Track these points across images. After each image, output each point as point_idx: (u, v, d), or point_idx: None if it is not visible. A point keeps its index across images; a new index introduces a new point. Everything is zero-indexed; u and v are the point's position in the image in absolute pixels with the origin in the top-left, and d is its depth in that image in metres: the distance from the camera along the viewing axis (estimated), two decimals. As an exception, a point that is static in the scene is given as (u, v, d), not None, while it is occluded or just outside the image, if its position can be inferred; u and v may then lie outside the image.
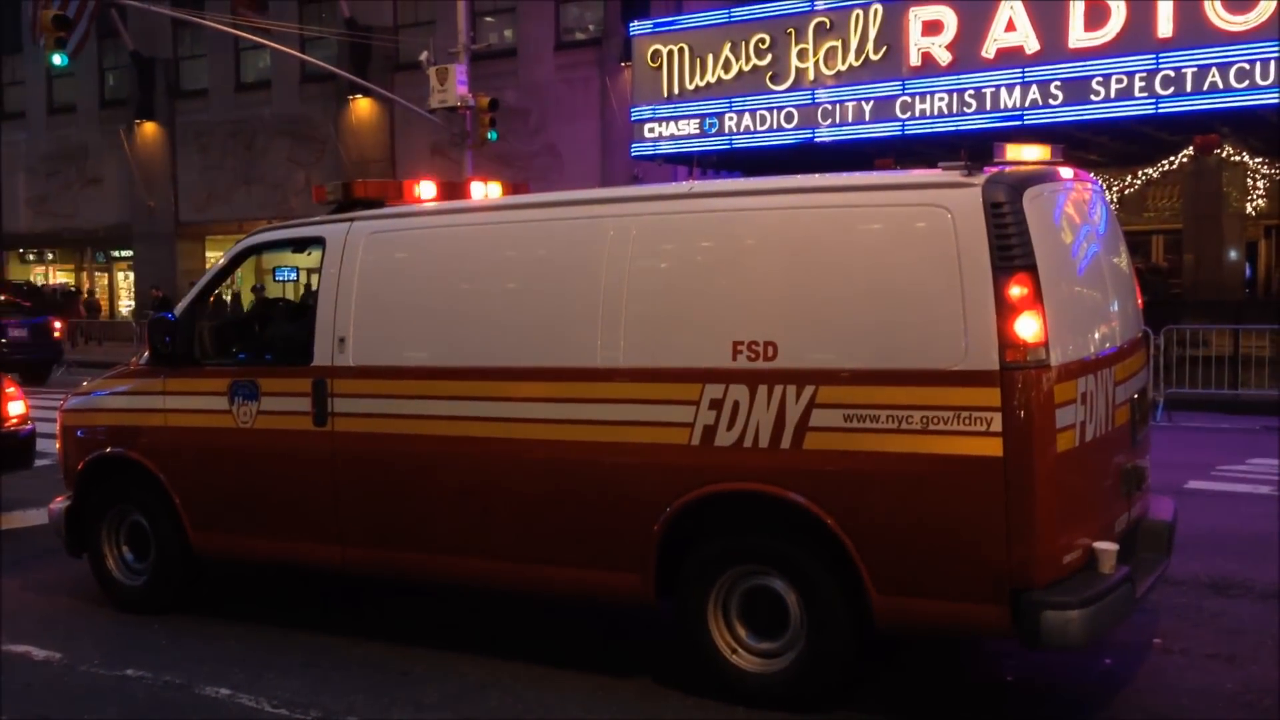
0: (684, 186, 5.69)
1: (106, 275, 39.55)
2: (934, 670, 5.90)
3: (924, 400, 4.80)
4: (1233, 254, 21.07)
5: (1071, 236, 5.38)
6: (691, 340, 5.31)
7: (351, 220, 6.47)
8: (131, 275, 37.36)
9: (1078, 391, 4.88)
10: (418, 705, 5.44)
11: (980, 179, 4.85)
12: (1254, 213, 20.16)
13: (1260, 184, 19.57)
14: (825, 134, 19.40)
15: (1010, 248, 4.70)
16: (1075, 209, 5.45)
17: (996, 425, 4.67)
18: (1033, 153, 5.28)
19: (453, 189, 6.95)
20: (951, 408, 4.75)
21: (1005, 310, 4.66)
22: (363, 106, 31.21)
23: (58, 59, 22.12)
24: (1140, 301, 6.16)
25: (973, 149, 5.07)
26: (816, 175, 5.55)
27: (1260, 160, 19.28)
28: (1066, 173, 5.45)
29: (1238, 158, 19.08)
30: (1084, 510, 5.01)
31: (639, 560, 5.42)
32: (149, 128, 35.44)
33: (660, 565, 5.40)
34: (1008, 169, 5.09)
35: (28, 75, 38.22)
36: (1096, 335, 5.28)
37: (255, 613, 7.02)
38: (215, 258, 35.21)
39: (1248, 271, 21.47)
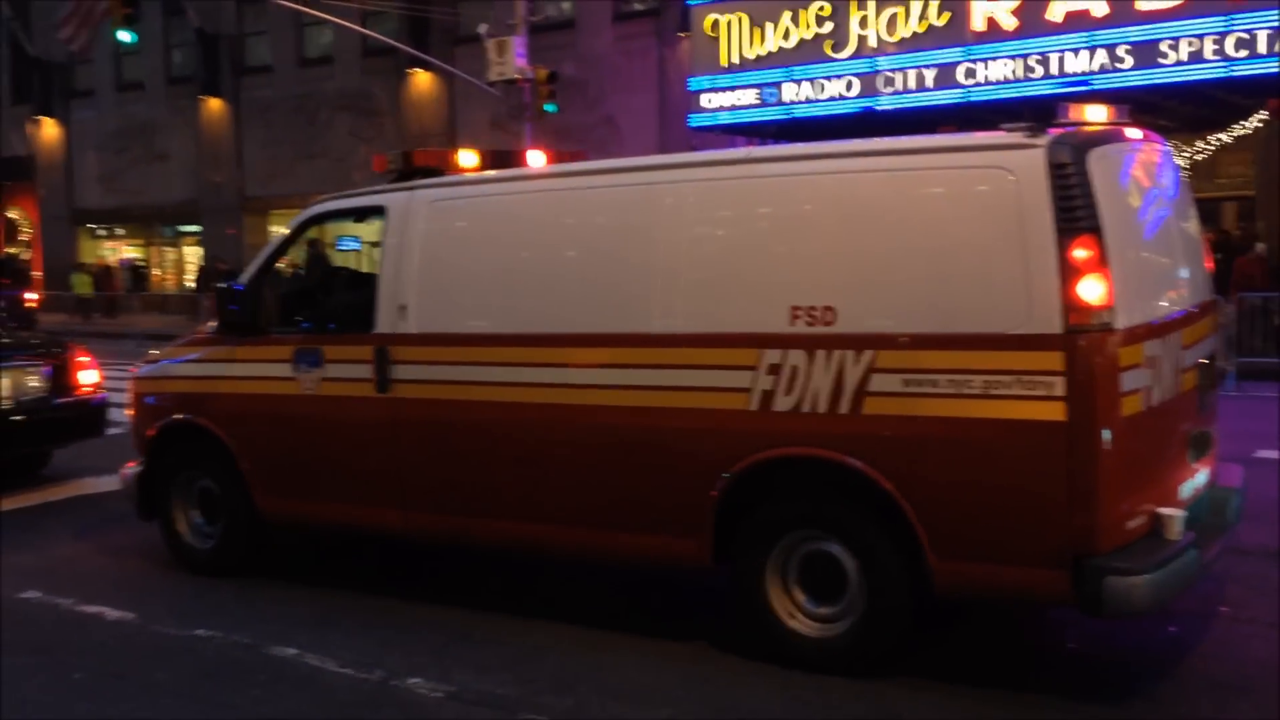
0: (741, 152, 5.67)
1: (175, 250, 40.22)
2: (994, 637, 5.86)
3: (985, 364, 4.75)
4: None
5: (1138, 199, 5.28)
6: (749, 305, 5.30)
7: (413, 189, 6.52)
8: (200, 249, 37.99)
9: (1143, 356, 4.81)
10: (479, 667, 5.51)
11: (1044, 140, 4.77)
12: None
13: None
14: (887, 102, 19.13)
15: (1074, 209, 4.62)
16: (1143, 171, 5.35)
17: (1060, 390, 4.61)
18: (1098, 113, 5.19)
19: (506, 158, 6.99)
20: (1013, 372, 4.69)
21: (1069, 273, 4.60)
22: (422, 80, 31.36)
23: (126, 35, 22.47)
24: (1211, 266, 6.03)
25: (1037, 114, 4.99)
26: (875, 139, 5.50)
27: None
28: (1134, 134, 5.34)
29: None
30: (1149, 476, 4.94)
31: (697, 525, 5.44)
32: (214, 104, 35.92)
33: (718, 530, 5.41)
34: (1072, 130, 5.00)
35: (96, 53, 38.88)
36: (1163, 299, 5.19)
37: (321, 576, 7.15)
38: (279, 232, 35.60)
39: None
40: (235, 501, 7.04)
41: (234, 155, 35.93)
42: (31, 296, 26.70)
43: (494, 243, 6.18)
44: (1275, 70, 16.08)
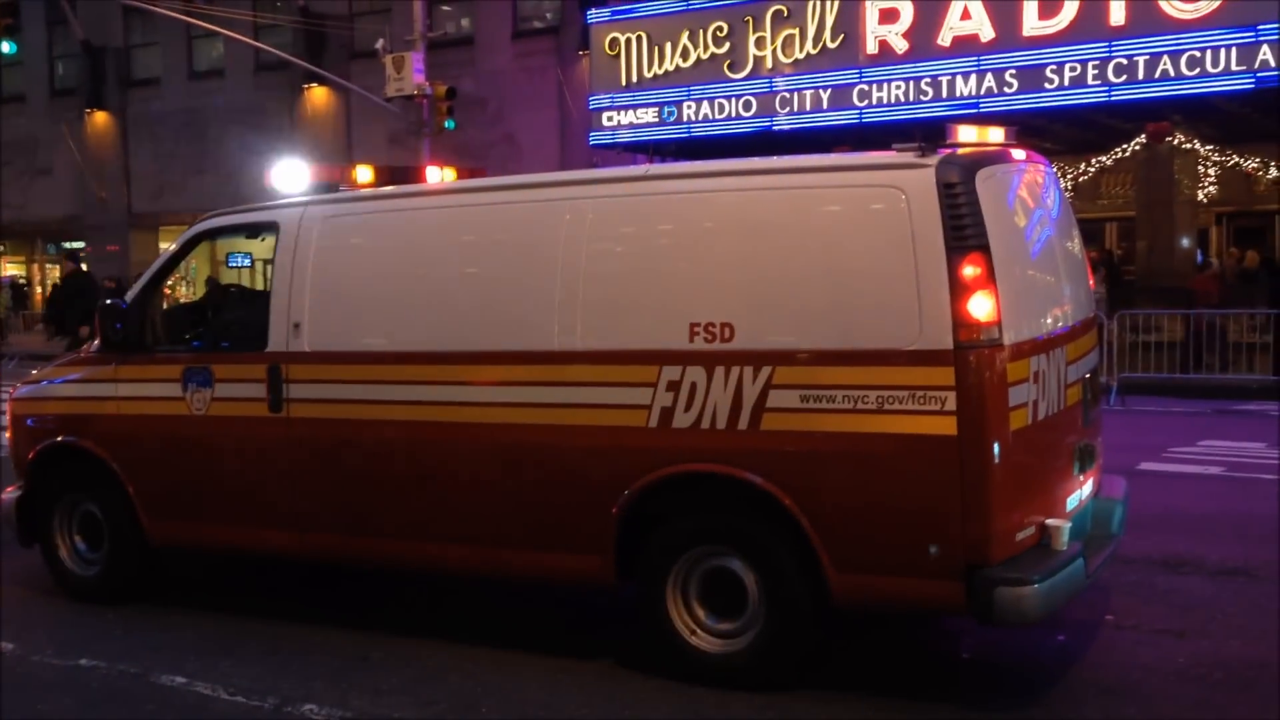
0: (640, 169, 5.69)
1: (58, 268, 38.86)
2: (891, 648, 5.96)
3: (879, 380, 4.84)
4: (1185, 241, 21.35)
5: (1024, 218, 5.44)
6: (648, 322, 5.32)
7: (306, 205, 6.42)
8: (84, 266, 36.75)
9: (1030, 370, 4.94)
10: (377, 690, 5.42)
11: (934, 160, 4.89)
12: (1205, 199, 20.44)
13: (1211, 171, 19.85)
14: (783, 122, 19.45)
15: (964, 228, 4.74)
16: (1028, 191, 5.51)
17: (951, 404, 4.71)
18: (989, 134, 5.32)
19: (403, 174, 6.91)
20: (906, 387, 4.79)
21: (959, 290, 4.71)
22: (318, 95, 30.89)
23: (5, 46, 21.73)
24: (1092, 284, 6.23)
25: (927, 134, 5.11)
26: (772, 158, 5.58)
27: (1211, 147, 19.53)
28: (1019, 155, 5.50)
29: (1189, 145, 19.32)
30: (1037, 488, 5.08)
31: (599, 543, 5.42)
32: (100, 117, 34.88)
33: (620, 547, 5.41)
34: (960, 150, 5.13)
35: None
36: (1048, 315, 5.34)
37: (211, 601, 6.96)
38: (167, 248, 34.75)
39: (1199, 258, 21.76)
40: (121, 526, 6.82)
41: (121, 170, 34.92)
42: None
43: (390, 259, 6.10)
44: (1153, 95, 16.75)
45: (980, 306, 4.70)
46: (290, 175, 6.68)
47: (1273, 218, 23.15)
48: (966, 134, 5.24)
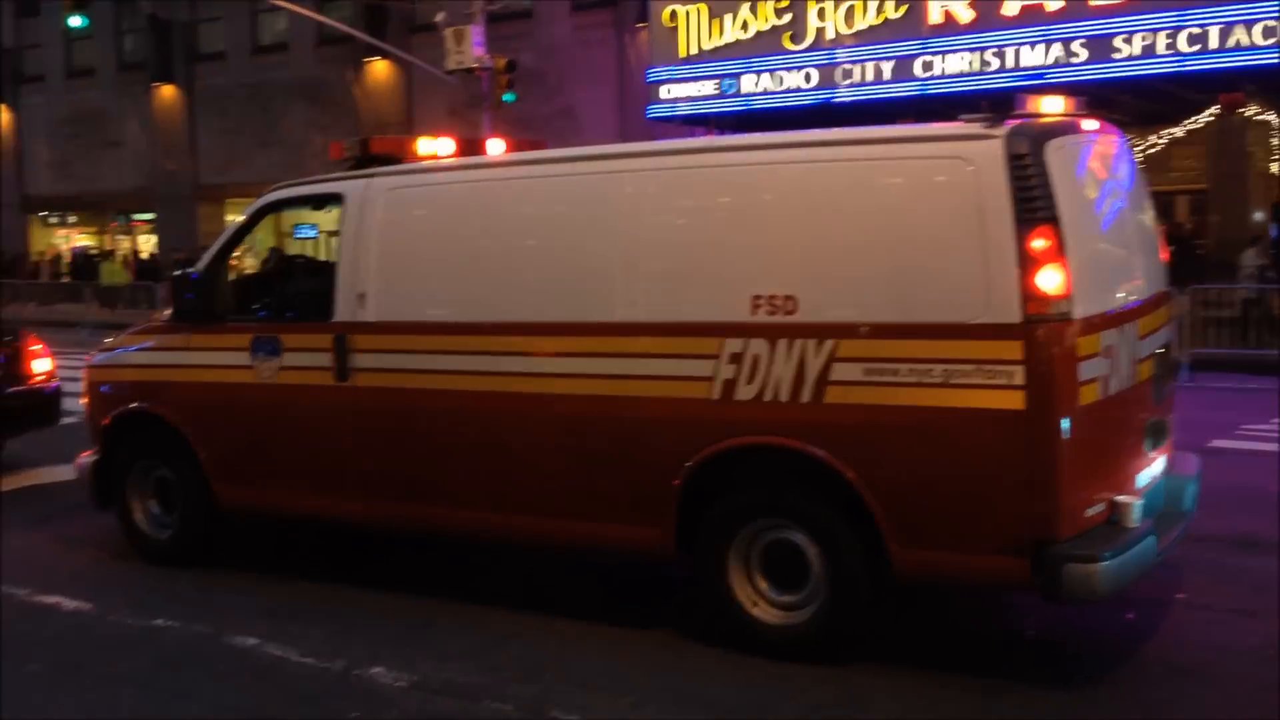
0: (702, 141, 5.67)
1: (129, 239, 39.64)
2: (954, 623, 5.93)
3: (945, 353, 4.80)
4: (1258, 215, 20.86)
5: (1095, 190, 5.35)
6: (711, 295, 5.32)
7: (370, 176, 6.48)
8: (154, 238, 37.47)
9: (1101, 345, 4.87)
10: (442, 655, 5.50)
11: (1002, 131, 4.82)
12: (1279, 172, 19.95)
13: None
14: (844, 94, 19.24)
15: (1033, 200, 4.67)
16: (1099, 162, 5.42)
17: (1019, 378, 4.66)
18: (1055, 105, 5.24)
19: (468, 146, 6.95)
20: (973, 361, 4.74)
21: (1027, 263, 4.65)
22: (380, 69, 31.10)
23: (77, 20, 22.11)
24: (1165, 257, 6.11)
25: (994, 105, 5.03)
26: (836, 129, 5.53)
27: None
28: (1090, 125, 5.40)
29: (1263, 116, 18.86)
30: (1106, 464, 5.01)
31: (660, 514, 5.45)
32: (167, 91, 35.43)
33: (681, 519, 5.43)
34: (1030, 121, 5.05)
35: (44, 38, 38.21)
36: (1120, 289, 5.26)
37: (281, 566, 7.10)
38: (234, 220, 35.06)
39: (1273, 231, 21.24)
40: (192, 491, 6.96)
41: (187, 143, 35.46)
42: None
43: (453, 231, 6.15)
44: (1226, 65, 16.34)
45: (1050, 279, 4.64)
46: (355, 148, 6.73)
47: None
48: (1041, 104, 5.14)
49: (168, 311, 7.18)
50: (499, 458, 5.89)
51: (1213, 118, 18.82)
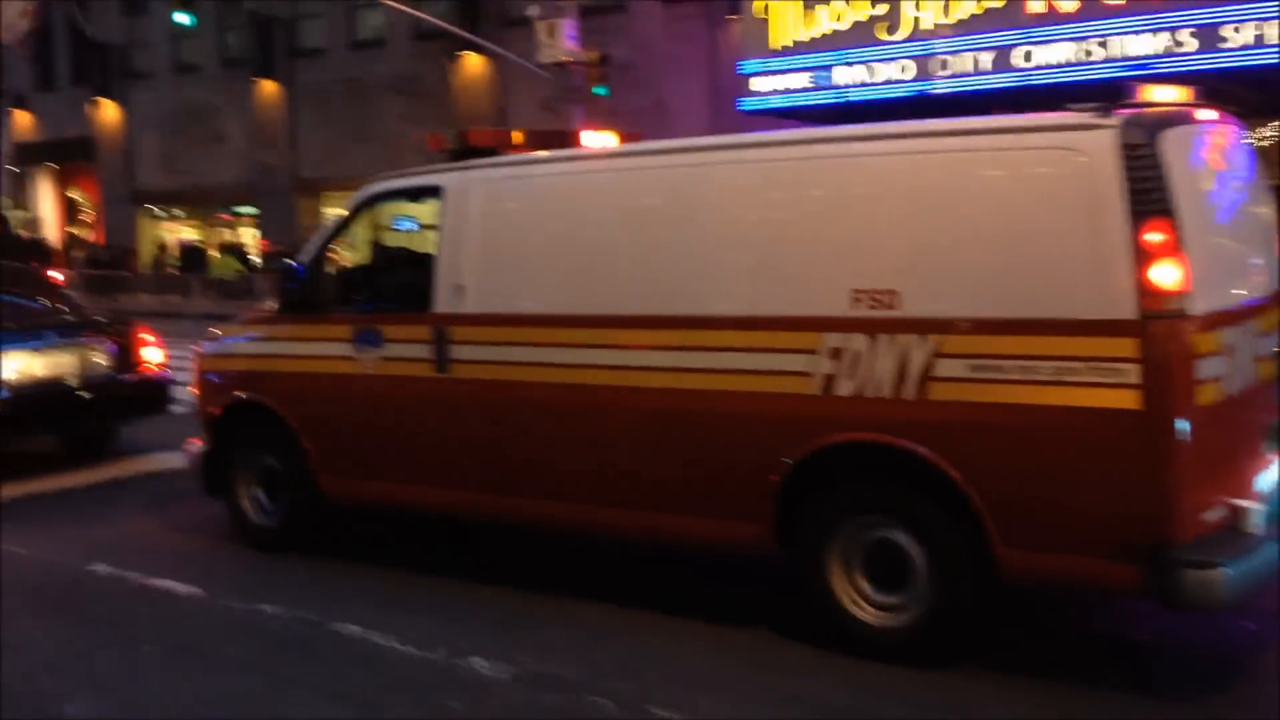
0: (800, 133, 5.63)
1: (232, 232, 40.59)
2: (1063, 628, 5.80)
3: (1055, 350, 4.69)
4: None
5: (1212, 183, 5.18)
6: (810, 288, 5.27)
7: (468, 169, 6.54)
8: (256, 232, 38.34)
9: (1220, 343, 4.72)
10: (542, 649, 5.54)
11: (1115, 120, 4.69)
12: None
13: None
14: (942, 85, 18.88)
15: (1147, 191, 4.54)
16: (1216, 154, 5.25)
17: (1134, 377, 4.53)
18: (1169, 94, 5.08)
19: (558, 139, 6.98)
20: (1085, 358, 4.63)
21: (1142, 257, 4.52)
22: (473, 63, 31.37)
23: (184, 18, 22.70)
24: None
25: (1102, 95, 4.90)
26: (938, 119, 5.43)
27: None
28: (1206, 116, 5.23)
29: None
30: (1226, 467, 4.85)
31: (759, 510, 5.42)
32: (267, 86, 36.18)
33: (781, 515, 5.39)
34: (1143, 110, 4.91)
35: (152, 36, 39.27)
36: (1239, 285, 5.09)
37: (383, 555, 7.21)
38: (333, 213, 35.81)
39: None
40: (297, 479, 7.11)
41: (287, 137, 36.20)
42: (56, 275, 27.03)
43: (551, 223, 6.18)
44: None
45: (1167, 274, 4.50)
46: (454, 140, 6.82)
47: None
48: (1153, 94, 4.99)
49: (272, 302, 7.34)
50: (598, 451, 5.90)
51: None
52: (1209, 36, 16.47)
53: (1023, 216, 4.81)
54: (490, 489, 6.35)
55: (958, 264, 4.94)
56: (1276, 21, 15.87)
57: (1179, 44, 16.78)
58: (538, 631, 5.78)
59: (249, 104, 36.59)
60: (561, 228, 6.13)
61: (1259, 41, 16.07)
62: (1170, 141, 4.70)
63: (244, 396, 7.30)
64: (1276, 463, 5.33)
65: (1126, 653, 5.50)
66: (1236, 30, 16.21)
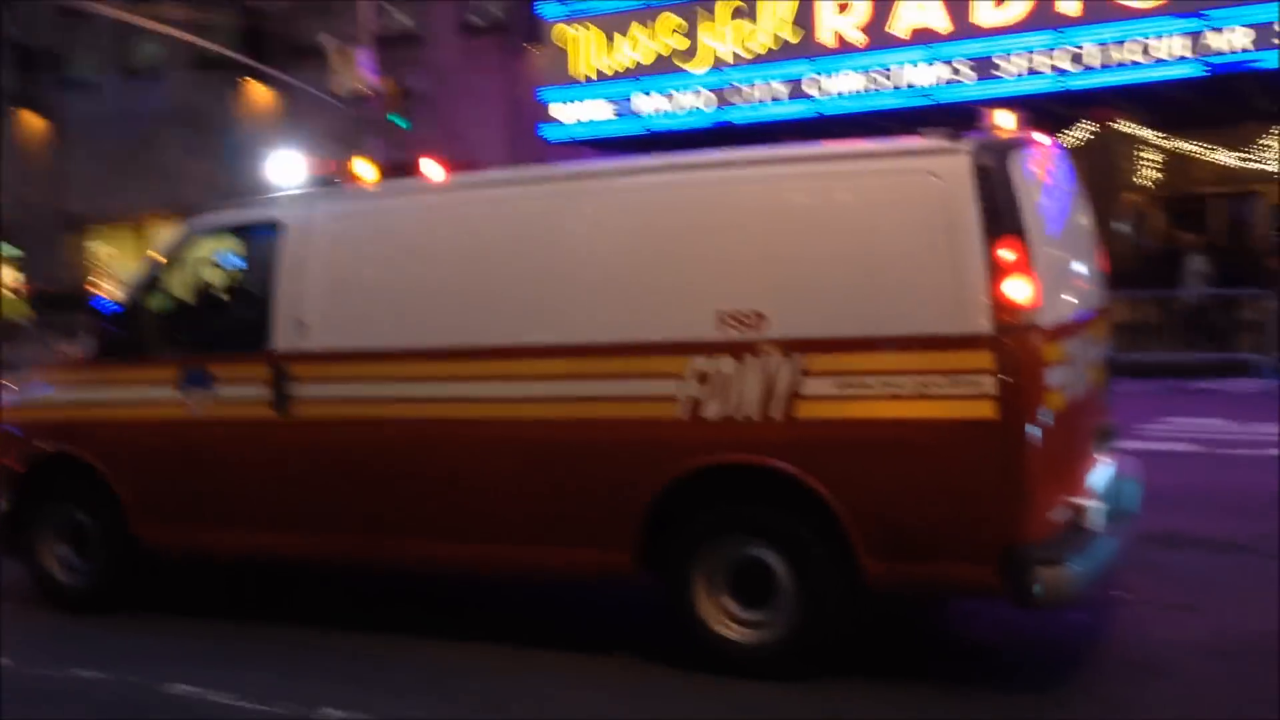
0: (661, 160, 5.63)
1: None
2: (911, 634, 5.95)
3: (916, 365, 4.82)
4: (1124, 226, 21.77)
5: (1050, 201, 5.44)
6: (676, 313, 5.25)
7: (304, 200, 6.27)
8: (19, 274, 35.76)
9: (1064, 353, 4.96)
10: (397, 691, 5.31)
11: (968, 145, 4.88)
12: (1146, 185, 20.86)
13: (1152, 157, 20.27)
14: (739, 115, 19.45)
15: (1000, 212, 4.74)
16: (1051, 174, 5.53)
17: (990, 388, 4.70)
18: (1007, 119, 5.32)
19: (400, 170, 6.77)
20: (944, 372, 4.77)
21: (996, 273, 4.70)
22: (259, 93, 30.35)
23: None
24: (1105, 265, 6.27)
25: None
26: (797, 145, 5.54)
27: (1161, 135, 19.96)
28: (1042, 139, 5.51)
29: (1131, 130, 19.71)
30: (1070, 469, 5.10)
31: (626, 536, 5.34)
32: (31, 118, 34.02)
33: (649, 540, 5.33)
34: (991, 135, 5.13)
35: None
36: (1075, 296, 5.37)
37: (217, 609, 6.78)
38: (105, 251, 33.93)
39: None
40: (112, 534, 6.59)
41: (54, 172, 34.05)
42: None
43: (399, 254, 5.96)
44: (1102, 83, 17.09)
45: (1019, 290, 4.69)
46: (287, 170, 6.51)
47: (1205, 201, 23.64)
48: (992, 119, 5.22)
49: (80, 347, 6.81)
50: (457, 486, 5.70)
51: (1092, 134, 19.54)
52: (984, 66, 17.61)
53: (881, 237, 4.94)
54: (339, 530, 6.05)
55: (821, 285, 5.02)
56: (1044, 53, 17.14)
57: (957, 73, 17.84)
58: (392, 676, 5.52)
59: (9, 136, 34.26)
60: (413, 260, 5.91)
61: (1030, 71, 17.34)
62: (1017, 163, 4.92)
63: (47, 448, 6.73)
64: (1105, 463, 5.65)
65: (977, 652, 5.70)
66: (1009, 60, 17.41)
